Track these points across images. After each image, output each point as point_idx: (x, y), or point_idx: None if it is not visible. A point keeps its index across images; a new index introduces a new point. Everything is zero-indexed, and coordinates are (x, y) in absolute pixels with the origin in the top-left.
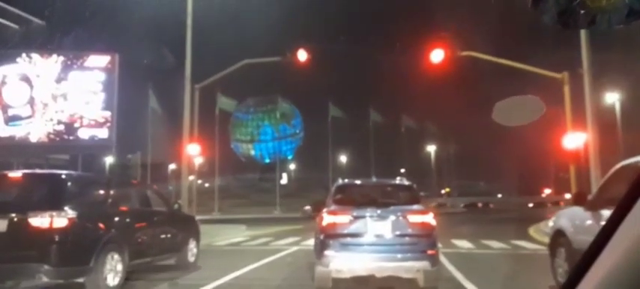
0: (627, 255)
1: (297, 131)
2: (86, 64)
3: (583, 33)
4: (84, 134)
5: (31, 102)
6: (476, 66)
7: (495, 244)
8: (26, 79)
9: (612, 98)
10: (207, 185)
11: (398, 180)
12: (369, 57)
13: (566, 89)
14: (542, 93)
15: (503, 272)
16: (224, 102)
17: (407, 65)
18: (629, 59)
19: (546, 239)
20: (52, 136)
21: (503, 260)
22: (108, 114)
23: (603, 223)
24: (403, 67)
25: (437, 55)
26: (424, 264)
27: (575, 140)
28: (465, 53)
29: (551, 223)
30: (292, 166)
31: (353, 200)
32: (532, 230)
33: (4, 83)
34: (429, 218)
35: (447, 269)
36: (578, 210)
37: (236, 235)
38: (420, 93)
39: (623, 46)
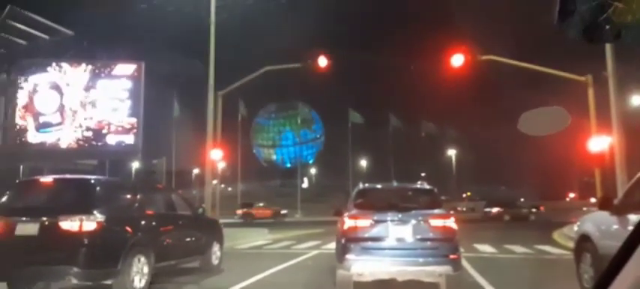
0: None
1: (318, 136)
2: (114, 72)
3: None
4: (111, 140)
5: (61, 109)
6: (497, 70)
7: (518, 249)
8: (56, 88)
9: (639, 100)
10: (230, 189)
11: (419, 184)
12: (389, 62)
13: (591, 92)
14: (566, 96)
15: (527, 278)
16: (244, 109)
17: (427, 70)
18: None
19: (571, 244)
20: (80, 142)
21: (527, 265)
22: (134, 120)
23: (630, 228)
24: (423, 72)
25: (457, 60)
26: (446, 269)
27: (600, 143)
28: (485, 57)
29: (576, 228)
30: (313, 171)
31: (374, 204)
32: (556, 235)
33: (35, 91)
34: (451, 222)
35: (470, 274)
36: (603, 215)
37: (258, 238)
38: (441, 98)
39: None
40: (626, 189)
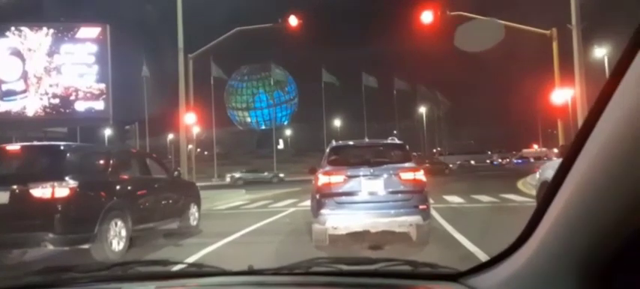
0: (577, 191)
1: (292, 97)
2: (77, 35)
3: None
4: (80, 106)
5: (25, 76)
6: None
7: (485, 198)
8: (17, 53)
9: (601, 52)
10: (206, 153)
11: (389, 140)
12: (361, 19)
13: (555, 45)
14: (534, 50)
15: (492, 224)
16: (217, 70)
17: (398, 28)
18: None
19: (534, 192)
20: (48, 110)
21: (492, 213)
22: (103, 86)
23: None
24: (395, 29)
25: (427, 17)
26: (416, 219)
27: (562, 95)
28: (454, 13)
29: (537, 175)
30: (288, 132)
31: (347, 160)
32: (520, 184)
33: None
34: (420, 175)
35: (439, 223)
36: None
37: (236, 199)
38: (412, 56)
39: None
40: None
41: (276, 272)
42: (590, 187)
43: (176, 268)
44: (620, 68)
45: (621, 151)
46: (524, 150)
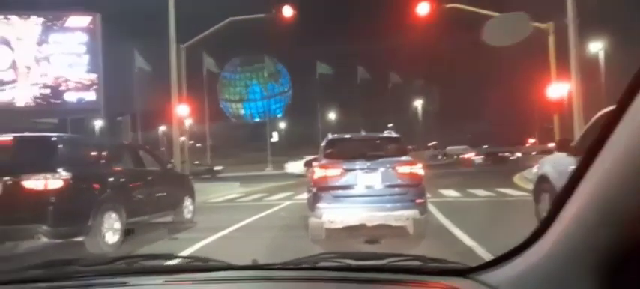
0: (597, 189)
1: (286, 89)
2: (67, 24)
3: None
4: (71, 97)
5: (14, 66)
6: (462, 19)
7: (481, 192)
8: (6, 42)
9: (596, 47)
10: (199, 145)
11: (386, 133)
12: (356, 12)
13: (551, 39)
14: (529, 44)
15: (489, 218)
16: (209, 62)
17: (394, 20)
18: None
19: (531, 187)
20: (38, 100)
21: (489, 207)
22: (94, 76)
23: None
24: (390, 22)
25: (423, 8)
26: (413, 213)
27: (558, 90)
28: (450, 5)
29: (535, 170)
30: (282, 124)
31: (343, 153)
32: (517, 179)
33: None
34: (417, 169)
35: (436, 217)
36: (561, 156)
37: (230, 192)
38: (408, 48)
39: None
40: (583, 132)
41: (282, 266)
42: (614, 184)
43: (181, 261)
44: None
45: None
46: (449, 148)
